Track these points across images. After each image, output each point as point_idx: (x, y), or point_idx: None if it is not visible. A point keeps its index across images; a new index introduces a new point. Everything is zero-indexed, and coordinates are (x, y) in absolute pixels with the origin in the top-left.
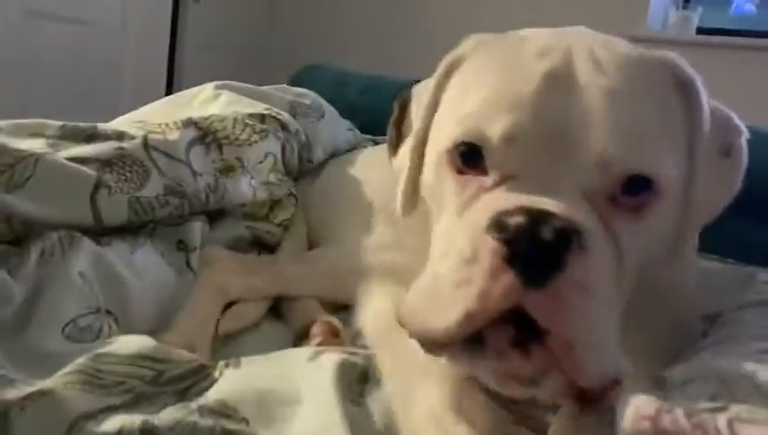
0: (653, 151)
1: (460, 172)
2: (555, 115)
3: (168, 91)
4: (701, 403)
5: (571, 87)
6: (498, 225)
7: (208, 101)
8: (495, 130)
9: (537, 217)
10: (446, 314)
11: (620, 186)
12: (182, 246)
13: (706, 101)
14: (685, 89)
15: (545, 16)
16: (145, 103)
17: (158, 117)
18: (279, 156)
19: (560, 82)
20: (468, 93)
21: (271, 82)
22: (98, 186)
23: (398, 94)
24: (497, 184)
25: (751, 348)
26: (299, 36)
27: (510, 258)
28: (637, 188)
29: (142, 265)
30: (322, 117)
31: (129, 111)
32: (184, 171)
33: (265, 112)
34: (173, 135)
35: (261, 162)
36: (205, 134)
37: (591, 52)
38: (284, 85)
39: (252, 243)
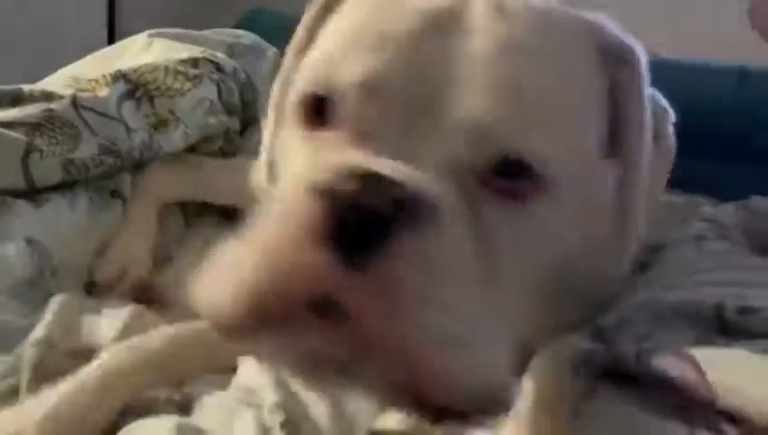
0: (545, 131)
1: (309, 129)
2: (428, 63)
3: (110, 42)
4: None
5: (457, 32)
6: (315, 189)
7: (142, 50)
8: (348, 76)
9: (368, 183)
10: (234, 292)
11: (494, 166)
12: (116, 194)
13: (645, 77)
14: (615, 60)
15: None
16: (87, 46)
17: (91, 71)
18: (215, 98)
19: (443, 23)
20: (331, 34)
21: (216, 25)
22: (29, 151)
23: None
24: (348, 144)
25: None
26: None
27: (325, 230)
28: (515, 173)
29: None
30: (263, 55)
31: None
32: (117, 128)
33: (199, 56)
34: (103, 91)
35: (195, 109)
36: (135, 87)
37: None
38: (224, 29)
39: None
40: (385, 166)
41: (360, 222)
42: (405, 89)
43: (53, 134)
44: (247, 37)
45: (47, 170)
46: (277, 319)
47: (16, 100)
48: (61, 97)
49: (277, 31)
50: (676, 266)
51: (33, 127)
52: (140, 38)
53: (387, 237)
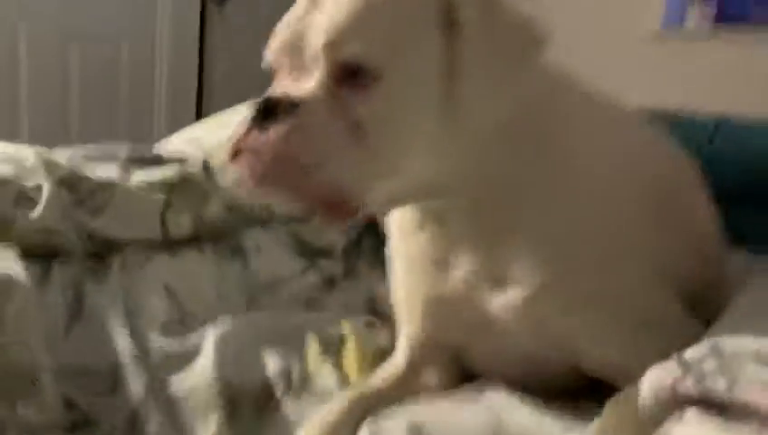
0: (371, 44)
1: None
2: (301, 19)
3: (198, 110)
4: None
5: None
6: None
7: None
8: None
9: (267, 99)
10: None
11: (341, 70)
12: (238, 248)
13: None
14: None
15: (563, 13)
16: (176, 123)
17: (211, 136)
18: None
19: (309, 4)
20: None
21: None
22: (167, 207)
23: None
24: (280, 79)
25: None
26: None
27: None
28: (359, 72)
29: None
30: None
31: (161, 130)
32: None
33: None
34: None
35: None
36: None
37: None
38: None
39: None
40: (283, 87)
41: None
42: (290, 41)
43: (187, 194)
44: None
45: (181, 225)
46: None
47: (156, 161)
48: (193, 162)
49: None
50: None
51: (170, 187)
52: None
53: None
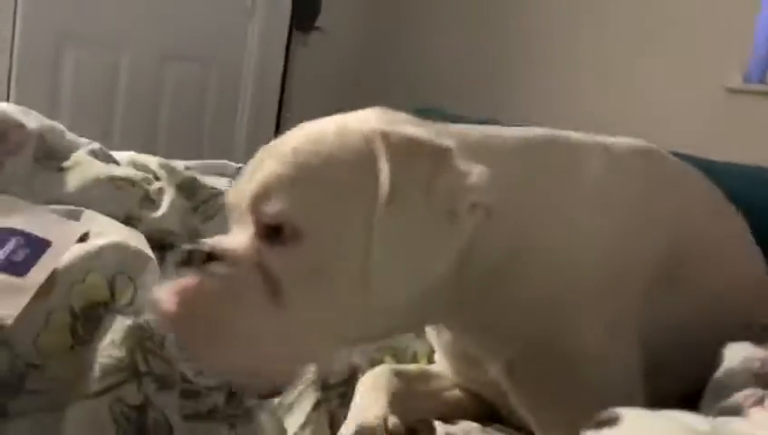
0: (295, 203)
1: None
2: (244, 182)
3: (277, 131)
4: None
5: (267, 157)
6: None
7: None
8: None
9: (194, 247)
10: None
11: (266, 227)
12: None
13: (387, 176)
14: (371, 158)
15: (646, 65)
16: (255, 142)
17: None
18: None
19: (264, 156)
20: None
21: None
22: None
23: None
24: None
25: None
26: (405, 79)
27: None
28: (282, 229)
29: None
30: None
31: (241, 149)
32: None
33: None
34: None
35: None
36: None
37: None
38: None
39: None
40: (217, 241)
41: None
42: (240, 195)
43: None
44: None
45: None
46: None
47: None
48: None
49: None
50: None
51: None
52: None
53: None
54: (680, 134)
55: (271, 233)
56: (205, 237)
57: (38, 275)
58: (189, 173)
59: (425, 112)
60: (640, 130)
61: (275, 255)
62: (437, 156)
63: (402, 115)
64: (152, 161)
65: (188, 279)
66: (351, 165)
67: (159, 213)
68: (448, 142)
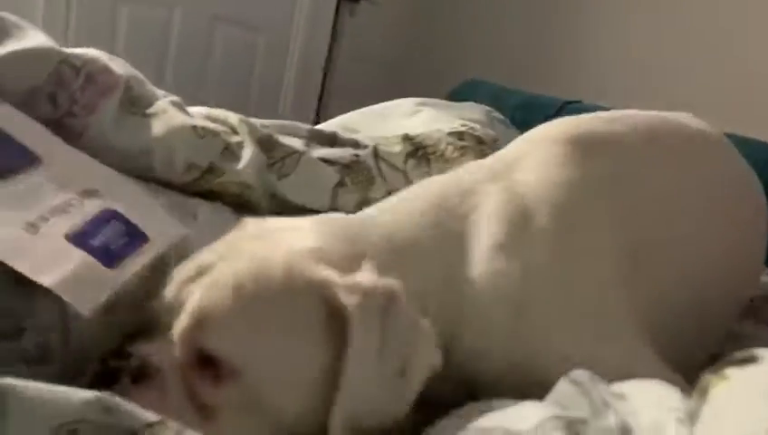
0: (234, 342)
1: None
2: (173, 297)
3: (320, 100)
4: None
5: (199, 278)
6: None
7: (406, 115)
8: None
9: (114, 356)
10: None
11: (198, 360)
12: None
13: (362, 328)
14: (335, 313)
15: (699, 49)
16: (299, 110)
17: (365, 126)
18: None
19: (195, 275)
20: None
21: (422, 96)
22: (339, 184)
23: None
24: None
25: None
26: (453, 51)
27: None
28: (215, 363)
29: None
30: (510, 127)
31: (286, 113)
32: (401, 180)
33: (463, 129)
34: (395, 148)
35: None
36: (417, 149)
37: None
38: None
39: None
40: (140, 348)
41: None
42: (169, 314)
43: (356, 175)
44: (497, 112)
45: (348, 203)
46: None
47: (333, 141)
48: (365, 146)
49: (487, 101)
50: None
51: (343, 166)
52: (407, 104)
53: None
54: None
55: (202, 363)
56: (278, 196)
57: (124, 272)
58: (267, 130)
59: (472, 85)
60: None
61: (206, 388)
62: (387, 310)
63: (337, 227)
64: (230, 116)
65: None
66: (299, 313)
67: (240, 165)
68: (393, 284)
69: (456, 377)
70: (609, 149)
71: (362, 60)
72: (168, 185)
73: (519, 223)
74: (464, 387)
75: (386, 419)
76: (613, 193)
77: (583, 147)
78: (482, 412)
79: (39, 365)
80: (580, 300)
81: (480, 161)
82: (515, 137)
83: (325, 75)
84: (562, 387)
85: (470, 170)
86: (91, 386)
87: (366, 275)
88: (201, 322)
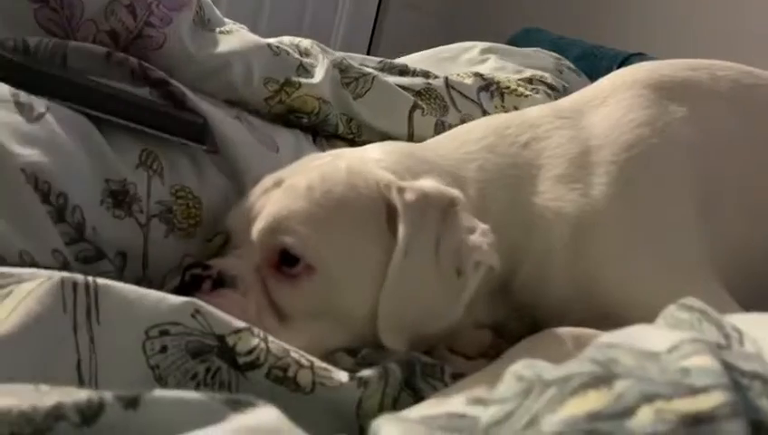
0: (310, 239)
1: None
2: (250, 207)
3: (369, 47)
4: None
5: (275, 188)
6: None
7: (473, 62)
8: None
9: (193, 267)
10: None
11: (274, 257)
12: None
13: (411, 225)
14: (393, 214)
15: None
16: (354, 33)
17: (431, 66)
18: None
19: (271, 186)
20: None
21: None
22: (415, 106)
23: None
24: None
25: None
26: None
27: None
28: (292, 263)
29: None
30: (580, 76)
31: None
32: (475, 110)
33: (531, 76)
34: (467, 80)
35: None
36: (489, 84)
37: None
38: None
39: None
40: (217, 263)
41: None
42: (240, 225)
43: (430, 101)
44: (565, 58)
45: (425, 126)
46: None
47: (403, 72)
48: (436, 76)
49: (546, 48)
50: None
51: (416, 93)
52: (474, 49)
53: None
54: None
55: (279, 266)
56: (354, 116)
57: None
58: (339, 53)
59: (530, 34)
60: None
61: (283, 289)
62: (445, 211)
63: (400, 147)
64: (302, 40)
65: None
66: (364, 211)
67: (316, 80)
68: (454, 192)
69: (519, 305)
70: (689, 95)
71: (415, 7)
72: (250, 111)
73: (585, 158)
74: (528, 319)
75: (440, 322)
76: (689, 138)
77: (662, 91)
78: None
79: None
80: (645, 234)
81: (549, 103)
82: (585, 84)
83: (376, 23)
84: (677, 313)
85: (536, 109)
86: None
87: (425, 182)
88: (278, 222)
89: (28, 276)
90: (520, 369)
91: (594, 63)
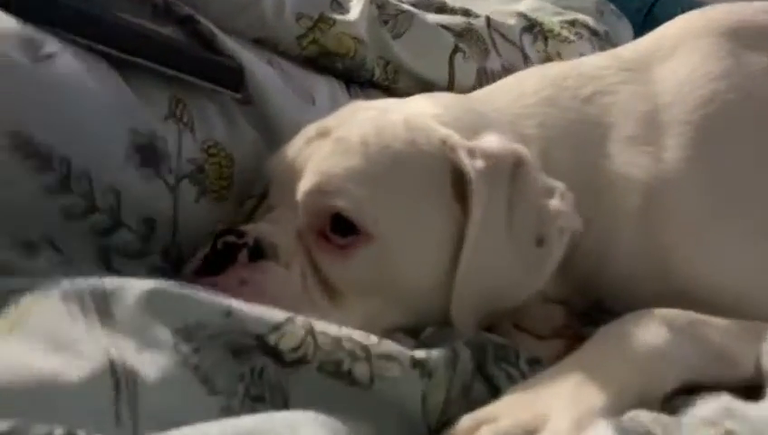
0: (367, 201)
1: None
2: (292, 159)
3: None
4: None
5: (321, 139)
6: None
7: (508, 1)
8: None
9: (226, 234)
10: None
11: (328, 223)
12: None
13: (485, 194)
14: (459, 178)
15: None
16: None
17: (466, 2)
18: None
19: (315, 136)
20: None
21: None
22: (456, 50)
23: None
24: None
25: None
26: None
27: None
28: (344, 230)
29: None
30: (622, 19)
31: None
32: (517, 55)
33: (573, 19)
34: (510, 20)
35: None
36: (533, 25)
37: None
38: None
39: None
40: (252, 228)
41: (214, 256)
42: (280, 179)
43: (470, 43)
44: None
45: (466, 73)
46: None
47: (440, 9)
48: (477, 15)
49: None
50: None
51: (457, 34)
52: None
53: (227, 262)
54: None
55: (329, 232)
56: (393, 58)
57: None
58: None
59: None
60: None
61: (334, 260)
62: (515, 172)
63: (455, 100)
64: None
65: (228, 279)
66: (428, 171)
67: (352, 17)
68: (521, 148)
69: (581, 279)
70: None
71: None
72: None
73: (656, 116)
74: (592, 295)
75: (519, 296)
76: None
77: (739, 39)
78: None
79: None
80: (727, 202)
81: (606, 52)
82: (627, 29)
83: None
84: None
85: (594, 59)
86: (201, 270)
87: (491, 140)
88: (330, 181)
89: None
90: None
91: (623, 2)
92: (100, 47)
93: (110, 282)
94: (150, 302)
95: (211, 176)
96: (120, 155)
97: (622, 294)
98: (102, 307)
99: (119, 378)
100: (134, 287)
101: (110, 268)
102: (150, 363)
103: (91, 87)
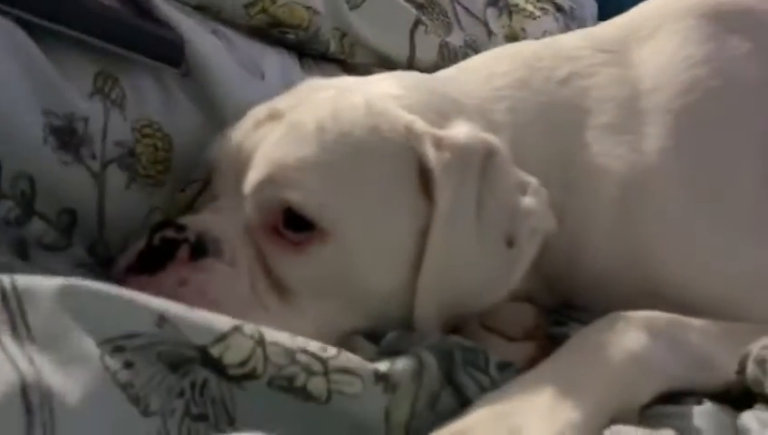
0: (323, 195)
1: None
2: (239, 144)
3: None
4: None
5: (272, 122)
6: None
7: None
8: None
9: (164, 227)
10: None
11: (280, 218)
12: None
13: (451, 188)
14: (426, 169)
15: None
16: None
17: None
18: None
19: (266, 119)
20: None
21: None
22: (417, 23)
23: None
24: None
25: None
26: None
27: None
28: (298, 225)
29: None
30: None
31: None
32: (480, 29)
33: None
34: None
35: (537, 39)
36: None
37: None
38: None
39: None
40: (191, 221)
41: (150, 252)
42: (225, 168)
43: (431, 17)
44: None
45: (428, 47)
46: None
47: None
48: None
49: None
50: None
51: (418, 6)
52: None
53: (164, 262)
54: None
55: (281, 227)
56: (351, 31)
57: None
58: None
59: None
60: None
61: (285, 257)
62: (484, 164)
63: (420, 80)
64: None
65: (172, 276)
66: (390, 161)
67: None
68: (492, 138)
69: (549, 274)
70: (755, 26)
71: None
72: (229, 22)
73: (635, 103)
74: (559, 290)
75: (487, 299)
76: (755, 78)
77: (721, 21)
78: None
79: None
80: (708, 196)
81: (581, 30)
82: (591, 5)
83: None
84: None
85: (569, 38)
86: (134, 268)
87: (459, 129)
88: (281, 170)
89: None
90: None
91: None
92: (15, 11)
93: (21, 280)
94: (70, 305)
95: (144, 159)
96: (33, 137)
97: (595, 293)
98: (11, 311)
99: (30, 401)
100: (50, 287)
101: (26, 260)
102: (71, 382)
103: (1, 58)
